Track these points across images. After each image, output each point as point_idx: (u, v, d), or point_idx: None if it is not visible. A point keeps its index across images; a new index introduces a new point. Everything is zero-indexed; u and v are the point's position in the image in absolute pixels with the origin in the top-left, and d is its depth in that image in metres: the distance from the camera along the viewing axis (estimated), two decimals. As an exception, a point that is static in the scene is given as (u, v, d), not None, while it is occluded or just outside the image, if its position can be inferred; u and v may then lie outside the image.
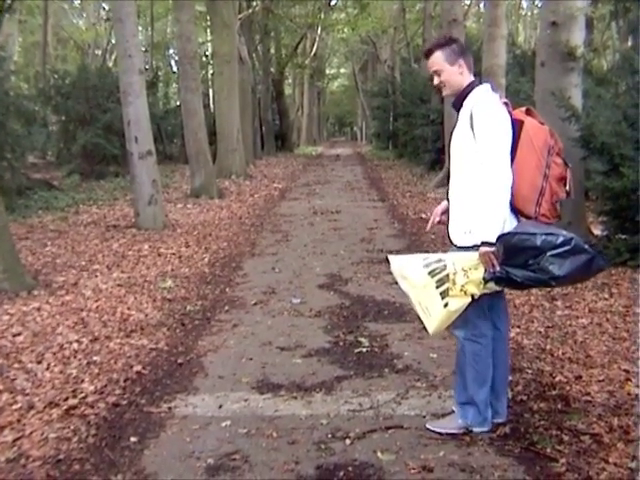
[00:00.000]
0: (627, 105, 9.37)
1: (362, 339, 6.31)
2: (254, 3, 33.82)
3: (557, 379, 5.15)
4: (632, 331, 6.17)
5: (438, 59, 4.32)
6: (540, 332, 6.34)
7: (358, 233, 11.90)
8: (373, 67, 57.89)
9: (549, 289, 7.68)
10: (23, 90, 27.69)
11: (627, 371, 5.23)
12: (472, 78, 4.34)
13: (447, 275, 4.09)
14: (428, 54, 4.41)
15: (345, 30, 45.16)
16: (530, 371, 5.34)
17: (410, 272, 4.27)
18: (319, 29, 45.91)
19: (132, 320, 7.02)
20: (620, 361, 5.46)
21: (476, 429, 4.36)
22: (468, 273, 4.06)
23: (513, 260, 3.97)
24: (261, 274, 9.19)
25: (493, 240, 3.97)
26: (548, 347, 5.89)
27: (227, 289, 8.41)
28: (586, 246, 3.97)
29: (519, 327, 6.50)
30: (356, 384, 5.24)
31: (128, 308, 7.46)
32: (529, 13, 50.36)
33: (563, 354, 5.71)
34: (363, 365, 5.64)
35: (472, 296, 4.09)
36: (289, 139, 45.11)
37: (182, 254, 10.41)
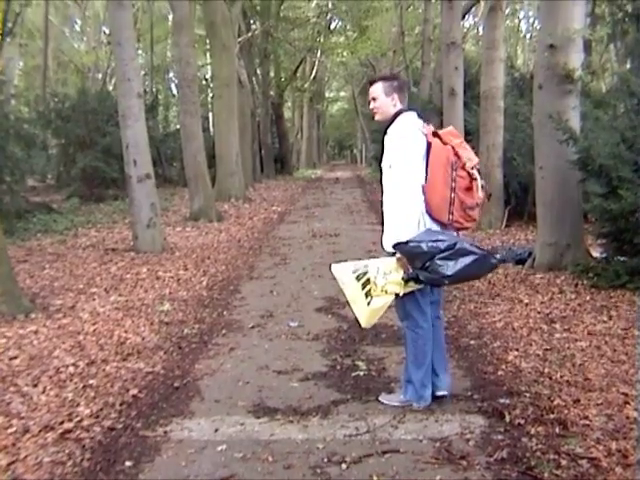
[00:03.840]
0: (625, 127, 9.37)
1: (359, 362, 6.28)
2: (253, 26, 34.01)
3: (555, 402, 5.11)
4: (631, 354, 6.14)
5: (377, 89, 5.18)
6: (538, 355, 6.30)
7: (357, 256, 11.72)
8: (373, 90, 57.87)
9: (547, 312, 7.72)
10: (24, 114, 27.75)
11: (626, 394, 5.18)
12: (402, 109, 5.11)
13: (368, 279, 4.93)
14: (372, 83, 5.29)
15: (344, 53, 45.28)
16: (528, 395, 5.30)
17: (344, 277, 5.09)
18: (318, 52, 46.21)
19: (129, 343, 6.99)
20: (619, 384, 5.42)
21: (415, 405, 5.16)
22: (387, 276, 4.89)
23: (413, 264, 4.80)
24: (259, 297, 9.17)
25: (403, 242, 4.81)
26: (546, 370, 5.85)
27: (225, 312, 8.38)
28: (472, 248, 4.76)
29: (517, 350, 6.47)
30: (353, 408, 5.20)
31: (125, 331, 7.44)
32: (527, 36, 50.61)
33: (561, 377, 5.67)
34: (360, 389, 5.60)
35: (397, 294, 4.95)
36: (288, 162, 45.17)
37: (180, 277, 10.40)
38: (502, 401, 5.20)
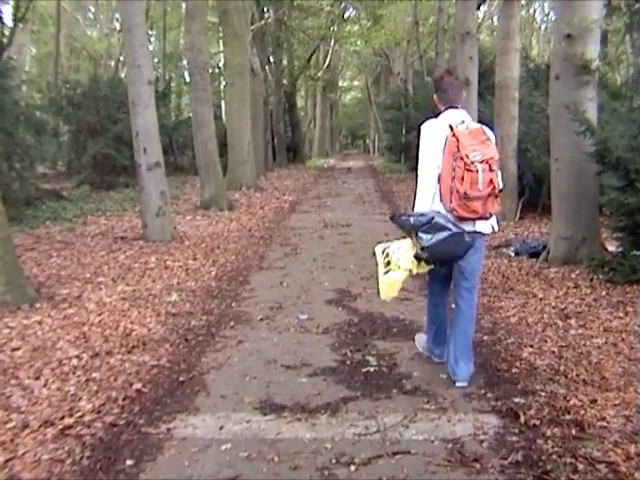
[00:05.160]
0: (644, 119, 9.19)
1: (370, 358, 6.12)
2: (266, 14, 33.78)
3: (571, 403, 4.95)
4: (648, 352, 5.98)
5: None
6: (554, 352, 6.14)
7: (369, 247, 11.49)
8: (386, 80, 57.78)
9: (562, 307, 7.56)
10: (36, 100, 27.71)
11: (644, 394, 5.03)
12: (443, 108, 5.58)
13: (388, 253, 5.47)
14: None
15: (358, 42, 45.04)
16: (543, 394, 5.14)
17: (377, 252, 5.63)
18: (332, 41, 45.95)
19: (134, 335, 6.85)
20: (637, 383, 5.26)
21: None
22: (403, 253, 5.38)
23: (410, 236, 5.35)
24: (268, 289, 9.01)
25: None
26: (562, 368, 5.69)
27: (233, 304, 8.22)
28: (447, 225, 5.20)
29: (532, 347, 6.31)
30: (362, 406, 5.06)
31: (131, 322, 7.30)
32: (542, 27, 50.28)
33: (577, 376, 5.51)
34: (370, 385, 5.45)
35: (410, 270, 5.40)
36: (301, 151, 44.97)
37: (189, 267, 10.26)
38: (517, 400, 5.05)
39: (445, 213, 5.27)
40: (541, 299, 8.03)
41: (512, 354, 6.14)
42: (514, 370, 5.72)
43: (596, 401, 4.98)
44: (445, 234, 5.17)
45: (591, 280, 8.76)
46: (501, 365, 5.87)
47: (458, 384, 5.45)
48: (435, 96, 5.66)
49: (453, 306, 5.72)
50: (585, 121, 9.12)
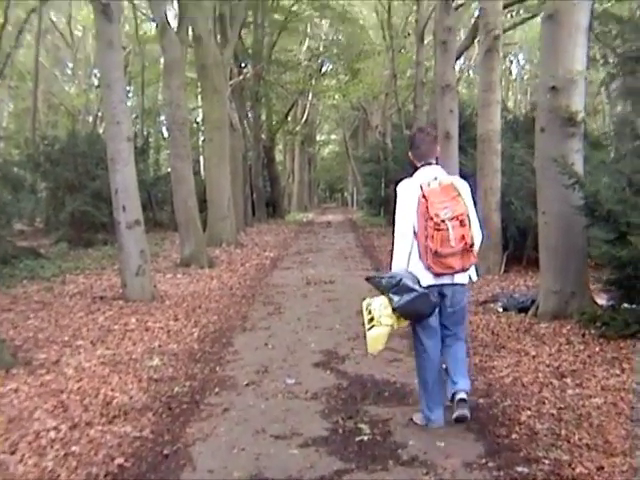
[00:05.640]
0: (632, 171, 9.06)
1: (362, 425, 5.83)
2: (245, 70, 33.89)
3: (577, 471, 4.72)
4: (651, 412, 5.76)
5: None
6: (553, 415, 5.90)
7: (353, 305, 11.25)
8: (364, 133, 58.19)
9: (556, 365, 7.35)
10: (14, 156, 27.54)
11: (651, 459, 4.80)
12: (418, 165, 5.85)
13: (370, 310, 5.66)
14: None
15: (336, 96, 45.43)
16: (547, 461, 4.90)
17: (363, 307, 5.80)
18: (310, 95, 46.24)
19: (115, 403, 6.55)
20: (642, 448, 5.04)
21: (427, 424, 5.78)
22: (384, 309, 5.55)
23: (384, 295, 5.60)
24: (253, 351, 8.72)
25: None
26: (563, 432, 5.45)
27: (217, 368, 7.92)
28: (414, 286, 5.43)
29: (529, 409, 6.06)
30: (358, 479, 4.79)
31: (112, 389, 6.99)
32: (518, 79, 50.84)
33: (580, 440, 5.27)
34: (365, 456, 5.17)
35: (392, 326, 5.59)
36: (280, 206, 44.97)
37: (170, 328, 9.97)
38: (520, 469, 4.81)
39: (418, 271, 5.56)
40: (534, 357, 7.81)
41: (510, 418, 5.89)
42: (514, 436, 5.47)
43: (603, 468, 4.74)
44: (412, 295, 5.42)
45: (583, 335, 8.56)
46: (500, 430, 5.61)
47: (459, 396, 5.67)
48: (410, 153, 5.93)
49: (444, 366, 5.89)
50: (574, 174, 9.00)
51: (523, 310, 10.31)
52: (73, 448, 5.42)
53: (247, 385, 7.18)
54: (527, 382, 6.89)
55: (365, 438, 5.56)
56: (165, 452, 5.36)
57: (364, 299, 5.87)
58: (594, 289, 10.01)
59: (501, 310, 10.65)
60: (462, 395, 5.67)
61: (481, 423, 5.81)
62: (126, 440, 5.63)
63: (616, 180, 9.82)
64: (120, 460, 5.19)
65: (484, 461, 5.00)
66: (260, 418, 6.12)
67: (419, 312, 5.60)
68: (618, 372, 7.00)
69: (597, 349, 7.94)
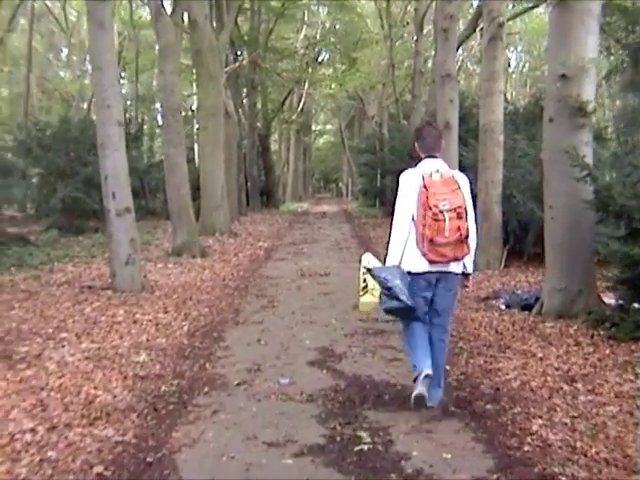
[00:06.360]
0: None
1: (362, 433, 5.40)
2: (241, 56, 33.44)
3: (598, 489, 4.32)
4: (670, 422, 5.36)
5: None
6: (566, 424, 5.49)
7: (350, 299, 10.82)
8: (360, 123, 57.78)
9: (566, 369, 6.97)
10: (7, 142, 27.14)
11: (677, 477, 4.40)
12: (423, 156, 6.06)
13: (365, 279, 6.07)
14: None
15: (333, 86, 45.02)
16: (564, 479, 4.50)
17: (361, 266, 6.15)
18: (306, 84, 45.78)
19: (98, 403, 6.13)
20: (666, 464, 4.64)
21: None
22: (376, 284, 5.86)
23: None
24: (245, 347, 8.30)
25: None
26: (578, 444, 5.04)
27: (207, 365, 7.49)
28: (402, 297, 5.61)
29: (541, 417, 5.66)
30: (358, 494, 4.38)
31: (95, 387, 6.58)
32: (517, 70, 50.55)
33: (597, 453, 4.87)
34: (365, 468, 4.73)
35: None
36: (275, 195, 44.57)
37: (159, 321, 9.56)
38: (536, 488, 4.40)
39: (415, 257, 5.78)
40: (541, 359, 7.42)
41: (521, 427, 5.47)
42: (526, 448, 5.05)
43: (625, 487, 4.35)
44: (398, 305, 5.66)
45: (592, 336, 8.19)
46: (510, 442, 5.19)
47: (428, 403, 5.81)
48: (416, 144, 6.15)
49: None
50: (585, 166, 8.60)
51: (526, 308, 9.97)
52: (49, 453, 5.00)
53: (238, 385, 6.76)
54: (536, 386, 6.50)
55: (365, 447, 5.13)
56: (148, 459, 4.93)
57: (365, 252, 6.40)
58: (600, 287, 9.63)
59: (503, 307, 10.30)
60: (432, 404, 5.93)
61: (490, 433, 5.39)
62: (107, 445, 5.21)
63: (625, 174, 9.42)
64: (99, 468, 4.76)
65: (495, 477, 4.58)
66: (251, 422, 5.71)
67: (402, 317, 6.03)
68: (631, 377, 6.62)
69: (607, 351, 7.56)
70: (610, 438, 5.17)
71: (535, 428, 5.42)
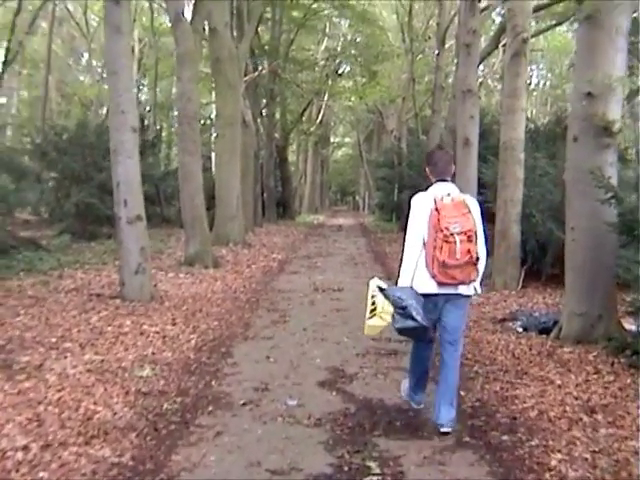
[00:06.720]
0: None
1: (371, 463, 5.12)
2: (260, 66, 33.31)
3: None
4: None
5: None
6: (586, 459, 5.20)
7: (363, 316, 10.67)
8: (378, 137, 57.62)
9: (585, 398, 6.68)
10: (25, 145, 27.08)
11: None
12: (434, 180, 6.09)
13: (374, 301, 5.89)
14: None
15: (352, 98, 44.93)
16: (585, 521, 4.23)
17: (369, 290, 6.01)
18: (326, 96, 45.69)
19: (96, 420, 5.88)
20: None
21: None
22: (386, 306, 5.77)
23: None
24: (253, 364, 8.06)
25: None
26: (600, 483, 4.77)
27: (213, 382, 7.25)
28: (417, 317, 5.56)
29: (560, 451, 5.36)
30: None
31: (95, 402, 6.34)
32: (538, 88, 50.29)
33: (620, 494, 4.60)
34: (374, 503, 4.49)
35: (390, 323, 5.79)
36: (291, 207, 44.43)
37: (167, 333, 9.33)
38: (555, 532, 4.12)
39: (424, 279, 5.80)
40: (559, 387, 7.13)
41: (538, 461, 5.18)
42: (544, 485, 4.78)
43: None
44: (413, 324, 5.61)
45: (612, 364, 7.89)
46: (528, 478, 4.91)
47: (442, 429, 5.78)
48: (427, 169, 6.20)
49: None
50: (610, 188, 8.32)
51: (544, 331, 9.69)
52: (41, 474, 4.76)
53: (244, 405, 6.51)
54: (554, 417, 6.21)
55: (374, 479, 4.87)
56: (145, 485, 4.69)
57: (372, 278, 6.13)
58: (620, 312, 9.34)
59: (520, 330, 10.01)
60: (444, 429, 5.81)
61: (506, 467, 5.11)
62: (102, 467, 4.95)
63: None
64: (92, 493, 4.52)
65: (513, 516, 4.32)
66: (256, 446, 5.45)
67: (414, 337, 6.06)
68: (654, 410, 6.32)
69: (628, 381, 7.27)
70: (633, 476, 4.89)
71: (554, 463, 5.13)
